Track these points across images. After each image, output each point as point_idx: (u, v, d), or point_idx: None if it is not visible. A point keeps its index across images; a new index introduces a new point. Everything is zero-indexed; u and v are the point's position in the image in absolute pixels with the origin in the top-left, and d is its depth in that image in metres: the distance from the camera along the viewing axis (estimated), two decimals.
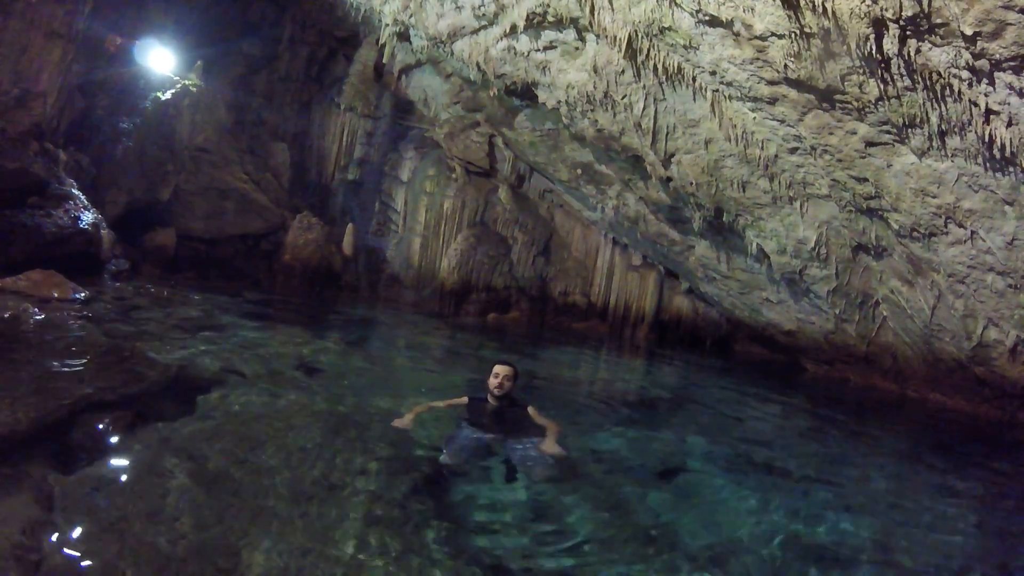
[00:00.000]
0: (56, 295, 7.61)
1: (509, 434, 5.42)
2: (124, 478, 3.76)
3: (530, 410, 5.73)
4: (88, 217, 9.69)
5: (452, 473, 4.70)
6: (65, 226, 9.16)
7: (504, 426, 5.51)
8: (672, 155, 10.64)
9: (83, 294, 7.93)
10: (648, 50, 8.74)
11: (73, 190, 9.82)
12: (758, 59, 7.71)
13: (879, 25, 6.24)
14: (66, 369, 5.10)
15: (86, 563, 2.91)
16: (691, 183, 10.85)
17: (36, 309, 6.51)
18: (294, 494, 3.85)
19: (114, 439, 4.17)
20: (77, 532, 3.12)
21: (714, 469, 5.92)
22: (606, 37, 9.03)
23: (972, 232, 8.02)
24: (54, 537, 3.05)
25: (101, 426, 4.27)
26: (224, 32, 14.97)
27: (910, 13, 5.89)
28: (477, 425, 5.51)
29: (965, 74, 6.19)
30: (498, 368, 5.62)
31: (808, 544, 4.39)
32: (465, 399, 5.83)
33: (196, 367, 6.05)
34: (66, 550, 2.97)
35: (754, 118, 8.79)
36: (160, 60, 12.84)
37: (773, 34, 7.23)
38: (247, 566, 3.06)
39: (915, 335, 10.56)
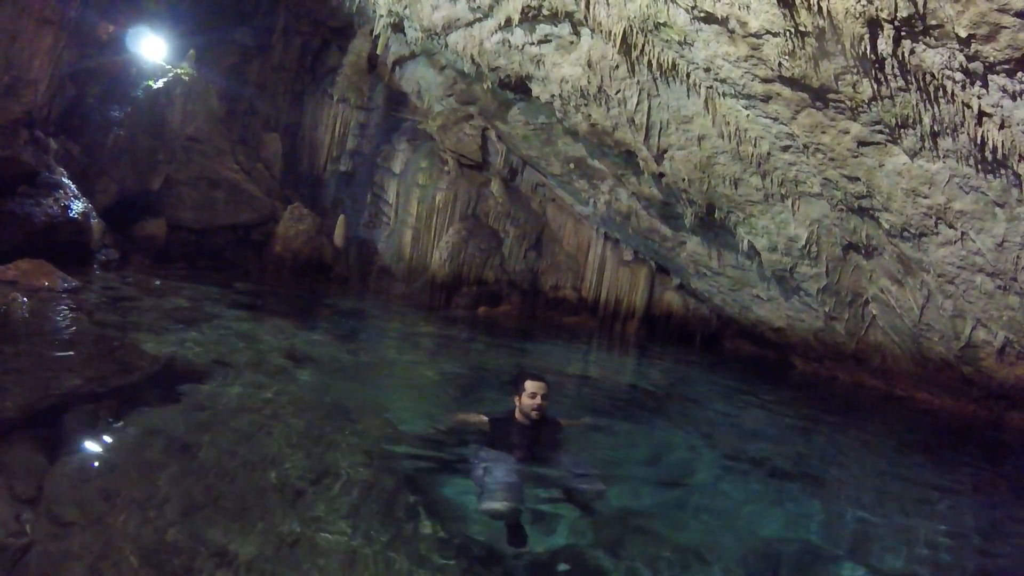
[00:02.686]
0: (46, 285, 7.56)
1: (547, 458, 4.78)
2: (113, 468, 3.75)
3: (563, 424, 5.16)
4: (78, 206, 9.63)
5: (499, 518, 3.93)
6: (55, 215, 9.11)
7: (542, 449, 4.81)
8: (665, 151, 10.65)
9: (73, 284, 7.88)
10: (643, 46, 8.73)
11: (63, 179, 9.75)
12: (752, 57, 7.71)
13: (874, 25, 6.25)
14: (55, 359, 5.08)
15: (74, 552, 2.91)
16: (683, 179, 10.85)
17: (25, 299, 6.48)
18: (283, 484, 3.85)
19: (103, 429, 4.16)
20: (66, 521, 3.12)
21: (701, 465, 5.95)
22: (601, 32, 9.02)
23: (962, 233, 8.05)
24: (42, 526, 3.04)
25: (90, 416, 4.26)
26: (217, 21, 14.85)
27: (905, 14, 5.90)
28: (508, 451, 4.68)
29: (959, 76, 6.21)
30: (533, 385, 4.75)
31: (794, 540, 4.42)
32: (485, 420, 4.98)
33: (186, 358, 6.03)
34: (54, 539, 2.97)
35: (747, 115, 8.80)
36: (152, 48, 12.73)
37: (768, 32, 7.23)
38: (236, 556, 3.07)
39: (904, 334, 10.61)
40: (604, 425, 6.50)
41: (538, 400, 4.69)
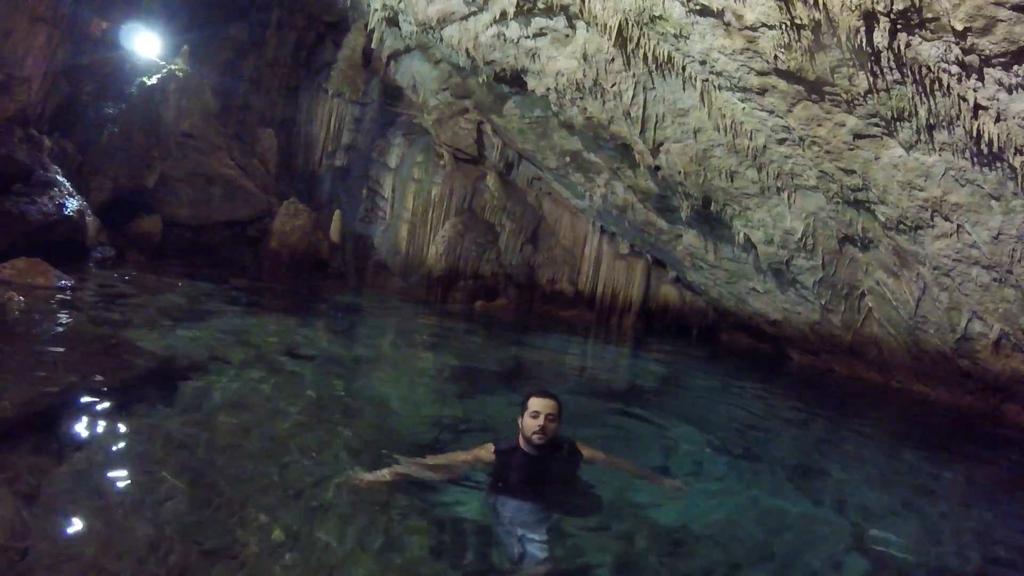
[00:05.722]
0: (41, 283, 7.56)
1: (563, 492, 4.11)
2: (111, 466, 3.75)
3: (581, 448, 4.28)
4: (73, 204, 9.60)
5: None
6: (50, 213, 9.08)
7: (553, 482, 4.09)
8: (661, 144, 10.64)
9: (69, 282, 7.88)
10: (638, 39, 8.72)
11: (58, 177, 9.72)
12: (748, 49, 7.70)
13: (870, 18, 6.24)
14: (52, 357, 5.08)
15: (73, 551, 2.90)
16: (679, 172, 10.85)
17: (21, 297, 6.48)
18: (280, 481, 3.86)
19: (100, 427, 4.15)
20: (64, 520, 3.12)
21: (698, 458, 5.95)
22: (596, 25, 9.00)
23: (958, 226, 8.06)
24: (41, 526, 3.04)
25: (87, 414, 4.26)
26: (211, 16, 14.80)
27: (901, 7, 5.90)
28: (515, 491, 3.92)
29: (955, 69, 6.21)
30: (537, 403, 3.93)
31: (791, 534, 4.43)
32: (492, 452, 4.05)
33: (182, 355, 6.02)
34: (53, 538, 2.97)
35: (743, 108, 8.79)
36: (146, 44, 12.70)
37: (764, 25, 7.22)
38: (233, 554, 3.07)
39: (900, 327, 10.63)
40: (573, 420, 6.15)
41: (541, 420, 3.87)
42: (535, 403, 3.91)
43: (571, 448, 4.21)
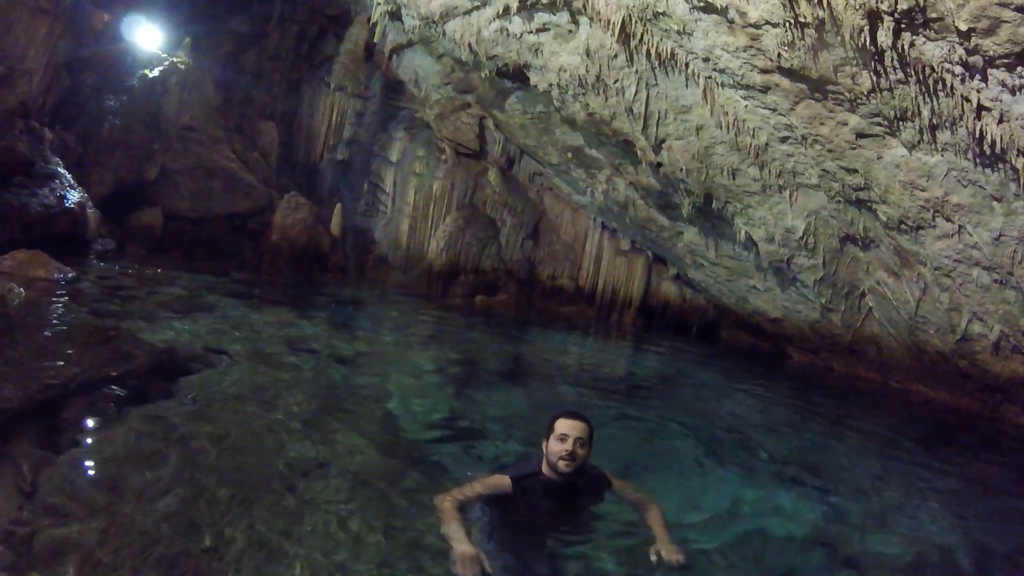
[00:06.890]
0: (42, 275, 7.57)
1: (583, 529, 3.75)
2: (112, 457, 3.76)
3: (613, 482, 3.90)
4: (74, 196, 9.61)
5: None
6: (51, 205, 9.08)
7: (574, 516, 3.76)
8: (663, 141, 10.62)
9: (69, 274, 7.88)
10: (641, 35, 8.69)
11: (59, 169, 9.73)
12: (751, 47, 7.68)
13: (874, 17, 6.23)
14: (53, 349, 5.08)
15: (75, 540, 2.92)
16: (681, 169, 10.84)
17: (21, 289, 6.49)
18: (281, 473, 3.88)
19: (101, 419, 4.18)
20: (65, 511, 3.13)
21: (697, 456, 5.96)
22: (599, 21, 8.98)
23: (960, 227, 8.05)
24: (43, 516, 3.05)
25: (88, 406, 4.27)
26: (213, 9, 14.77)
27: (905, 6, 5.88)
28: (528, 522, 3.63)
29: (958, 69, 6.19)
30: (566, 425, 3.54)
31: (789, 533, 4.44)
32: (507, 482, 3.60)
33: (183, 347, 6.04)
34: (55, 528, 2.98)
35: (746, 106, 8.78)
36: (148, 37, 12.70)
37: (767, 22, 7.20)
38: (232, 544, 3.08)
39: (900, 326, 10.63)
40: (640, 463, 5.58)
41: (569, 445, 3.47)
42: (563, 425, 3.54)
43: (599, 477, 3.87)
